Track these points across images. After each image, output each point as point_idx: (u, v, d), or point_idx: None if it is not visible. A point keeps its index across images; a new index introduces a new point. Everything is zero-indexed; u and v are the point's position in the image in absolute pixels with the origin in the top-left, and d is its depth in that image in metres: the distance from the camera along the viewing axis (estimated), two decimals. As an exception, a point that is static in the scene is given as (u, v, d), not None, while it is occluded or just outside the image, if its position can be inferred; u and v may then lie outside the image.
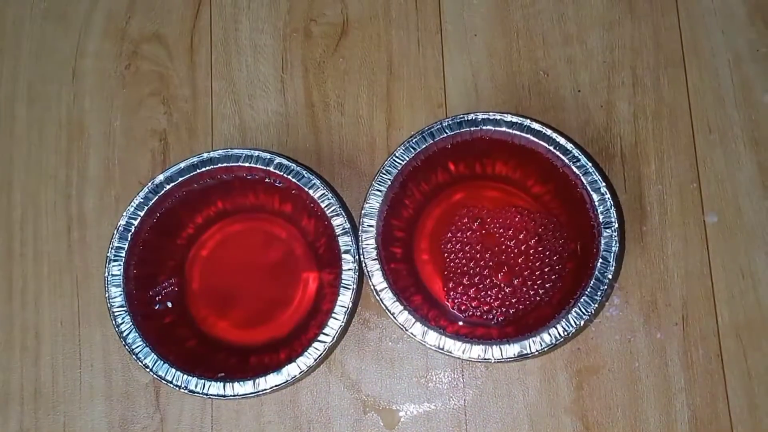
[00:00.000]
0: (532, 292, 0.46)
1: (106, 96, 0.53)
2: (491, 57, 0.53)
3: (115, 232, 0.45)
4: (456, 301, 0.47)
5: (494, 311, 0.46)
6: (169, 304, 0.47)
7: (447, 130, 0.45)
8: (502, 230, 0.48)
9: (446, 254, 0.48)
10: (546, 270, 0.47)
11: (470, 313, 0.47)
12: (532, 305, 0.46)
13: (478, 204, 0.48)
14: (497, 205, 0.48)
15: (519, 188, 0.48)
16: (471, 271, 0.47)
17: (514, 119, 0.45)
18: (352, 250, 0.44)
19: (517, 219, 0.47)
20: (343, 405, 0.48)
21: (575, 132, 0.51)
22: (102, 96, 0.53)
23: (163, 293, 0.46)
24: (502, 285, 0.47)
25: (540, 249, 0.47)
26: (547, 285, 0.46)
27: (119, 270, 0.44)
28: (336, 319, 0.43)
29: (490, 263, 0.47)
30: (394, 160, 0.45)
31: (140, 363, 0.43)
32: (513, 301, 0.46)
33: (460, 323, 0.46)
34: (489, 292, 0.47)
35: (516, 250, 0.47)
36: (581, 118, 0.51)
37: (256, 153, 0.45)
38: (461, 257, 0.47)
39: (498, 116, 0.45)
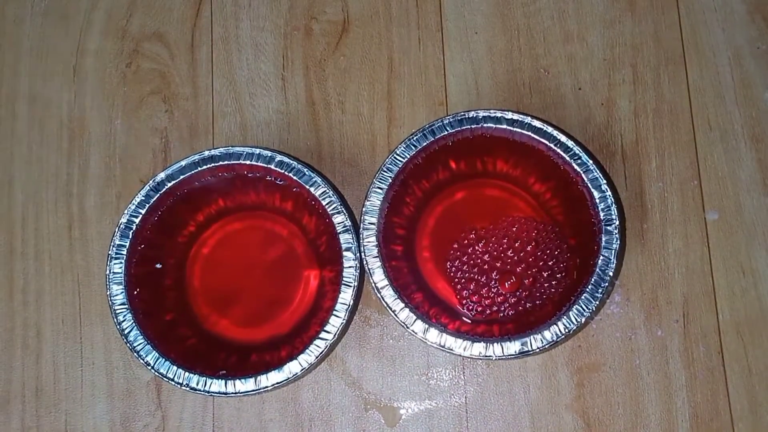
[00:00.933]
0: (546, 285, 0.46)
1: (107, 94, 0.53)
2: (492, 55, 0.53)
3: (117, 230, 0.45)
4: (468, 305, 0.47)
5: (505, 311, 0.46)
6: (158, 266, 0.47)
7: (448, 128, 0.45)
8: (498, 240, 0.48)
9: (452, 271, 0.48)
10: (552, 261, 0.47)
11: (480, 310, 0.47)
12: (547, 301, 0.46)
13: (478, 212, 0.49)
14: (495, 212, 0.48)
15: (520, 186, 0.48)
16: (479, 278, 0.47)
17: (515, 117, 0.45)
18: (353, 248, 0.44)
19: (515, 228, 0.48)
20: (345, 402, 0.48)
21: (576, 129, 0.51)
22: (103, 94, 0.53)
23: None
24: (514, 283, 0.47)
25: (539, 253, 0.47)
26: (553, 281, 0.46)
27: (121, 268, 0.44)
28: (337, 316, 0.43)
29: (498, 264, 0.47)
30: (395, 157, 0.45)
31: (142, 361, 0.43)
32: (526, 298, 0.47)
33: (468, 321, 0.47)
34: (500, 295, 0.47)
35: (519, 256, 0.47)
36: (582, 115, 0.51)
37: (257, 151, 0.45)
38: (467, 270, 0.47)
39: (499, 114, 0.45)
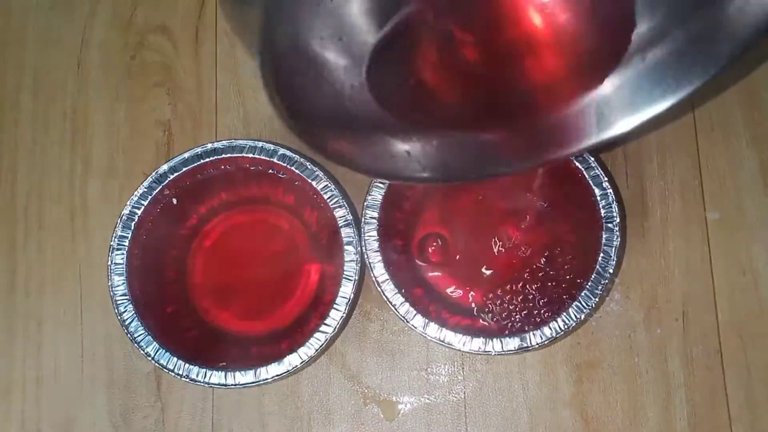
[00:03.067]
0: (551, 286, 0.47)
1: (111, 86, 0.53)
2: (495, 52, 0.53)
3: (119, 221, 0.45)
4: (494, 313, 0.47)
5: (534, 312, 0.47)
6: (174, 201, 0.47)
7: (450, 124, 0.45)
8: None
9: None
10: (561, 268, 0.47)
11: (509, 317, 0.47)
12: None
13: (479, 207, 0.49)
14: (496, 208, 0.49)
15: (521, 181, 0.49)
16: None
17: (518, 113, 0.45)
18: (354, 242, 0.44)
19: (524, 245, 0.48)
20: (344, 396, 0.48)
21: (578, 127, 0.51)
22: (107, 86, 0.53)
23: None
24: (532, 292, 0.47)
25: (548, 270, 0.47)
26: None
27: (122, 259, 0.44)
28: (337, 310, 0.43)
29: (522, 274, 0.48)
30: (397, 152, 0.45)
31: (142, 352, 0.43)
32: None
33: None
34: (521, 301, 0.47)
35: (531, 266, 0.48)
36: (584, 113, 0.51)
37: (260, 144, 0.45)
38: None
39: (501, 110, 0.45)
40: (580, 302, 0.42)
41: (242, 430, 0.48)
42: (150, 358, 0.43)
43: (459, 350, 0.42)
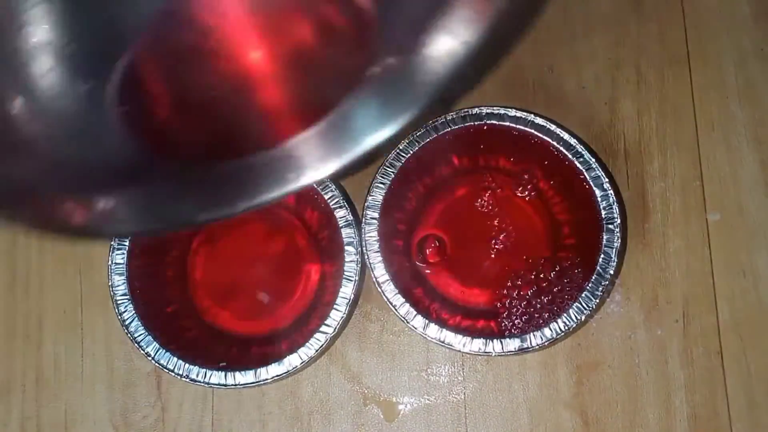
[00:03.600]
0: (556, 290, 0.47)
1: (111, 86, 0.53)
2: (496, 52, 0.53)
3: (119, 221, 0.45)
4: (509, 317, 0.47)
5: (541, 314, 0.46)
6: None
7: (451, 124, 0.45)
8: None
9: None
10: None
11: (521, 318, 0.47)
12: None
13: (478, 207, 0.49)
14: (497, 209, 0.48)
15: (521, 182, 0.48)
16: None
17: (518, 114, 0.45)
18: (354, 242, 0.44)
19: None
20: (344, 397, 0.48)
21: (579, 128, 0.51)
22: (107, 86, 0.53)
23: None
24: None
25: (548, 271, 0.47)
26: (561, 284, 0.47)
27: (123, 259, 0.44)
28: (338, 310, 0.43)
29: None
30: (398, 153, 0.45)
31: (142, 351, 0.43)
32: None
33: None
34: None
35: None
36: (585, 114, 0.51)
37: (261, 144, 0.45)
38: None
39: (502, 111, 0.45)
40: (580, 303, 0.42)
41: (242, 430, 0.48)
42: (150, 358, 0.43)
43: (459, 351, 0.42)
